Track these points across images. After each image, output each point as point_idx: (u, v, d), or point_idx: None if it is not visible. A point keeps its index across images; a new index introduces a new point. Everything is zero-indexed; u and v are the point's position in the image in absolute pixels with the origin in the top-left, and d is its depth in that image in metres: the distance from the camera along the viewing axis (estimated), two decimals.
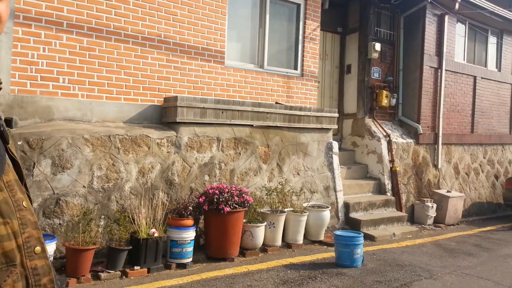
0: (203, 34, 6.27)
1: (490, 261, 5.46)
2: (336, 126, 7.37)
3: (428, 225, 8.08)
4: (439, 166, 9.17)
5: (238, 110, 6.08)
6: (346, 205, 7.01)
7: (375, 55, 8.49)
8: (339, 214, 6.88)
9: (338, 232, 5.38)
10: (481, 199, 10.21)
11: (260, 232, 5.43)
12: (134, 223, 4.71)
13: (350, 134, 8.92)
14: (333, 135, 9.00)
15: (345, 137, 9.04)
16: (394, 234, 6.89)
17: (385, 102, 8.59)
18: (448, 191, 8.69)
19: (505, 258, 5.68)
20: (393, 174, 8.12)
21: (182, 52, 6.07)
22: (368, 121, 8.61)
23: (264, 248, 5.59)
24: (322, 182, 6.92)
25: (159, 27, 5.85)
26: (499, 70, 10.97)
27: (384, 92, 8.58)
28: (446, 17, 8.96)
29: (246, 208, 5.27)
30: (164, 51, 5.89)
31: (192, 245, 4.88)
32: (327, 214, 6.20)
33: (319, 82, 8.70)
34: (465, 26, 9.92)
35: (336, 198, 6.94)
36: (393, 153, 8.26)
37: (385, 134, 8.36)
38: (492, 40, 10.77)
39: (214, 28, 6.39)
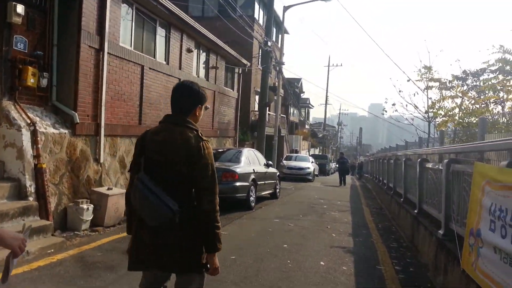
0: None
1: (127, 275, 4.58)
2: None
3: (83, 230, 6.90)
4: (102, 160, 8.17)
5: None
6: None
7: (18, 20, 6.55)
8: None
9: None
10: None
11: None
12: None
13: None
14: None
15: None
16: (27, 252, 5.30)
17: (31, 81, 6.79)
18: (109, 188, 7.80)
19: None
20: (39, 172, 6.48)
21: None
22: (8, 104, 6.60)
23: None
24: None
25: None
26: (168, 63, 11.08)
27: (31, 69, 6.77)
28: None
29: None
30: None
31: None
32: None
33: None
34: (133, 10, 9.32)
35: None
36: (40, 146, 6.61)
37: (29, 122, 6.59)
38: (161, 32, 10.71)
39: None
